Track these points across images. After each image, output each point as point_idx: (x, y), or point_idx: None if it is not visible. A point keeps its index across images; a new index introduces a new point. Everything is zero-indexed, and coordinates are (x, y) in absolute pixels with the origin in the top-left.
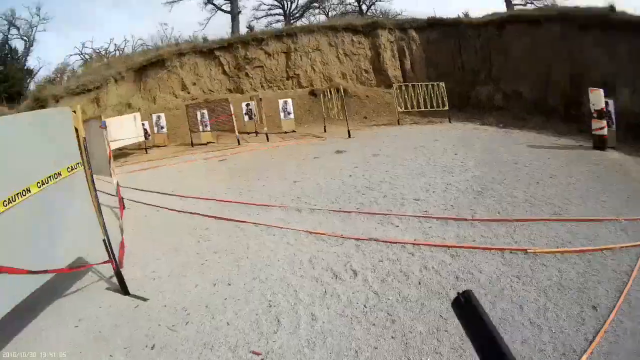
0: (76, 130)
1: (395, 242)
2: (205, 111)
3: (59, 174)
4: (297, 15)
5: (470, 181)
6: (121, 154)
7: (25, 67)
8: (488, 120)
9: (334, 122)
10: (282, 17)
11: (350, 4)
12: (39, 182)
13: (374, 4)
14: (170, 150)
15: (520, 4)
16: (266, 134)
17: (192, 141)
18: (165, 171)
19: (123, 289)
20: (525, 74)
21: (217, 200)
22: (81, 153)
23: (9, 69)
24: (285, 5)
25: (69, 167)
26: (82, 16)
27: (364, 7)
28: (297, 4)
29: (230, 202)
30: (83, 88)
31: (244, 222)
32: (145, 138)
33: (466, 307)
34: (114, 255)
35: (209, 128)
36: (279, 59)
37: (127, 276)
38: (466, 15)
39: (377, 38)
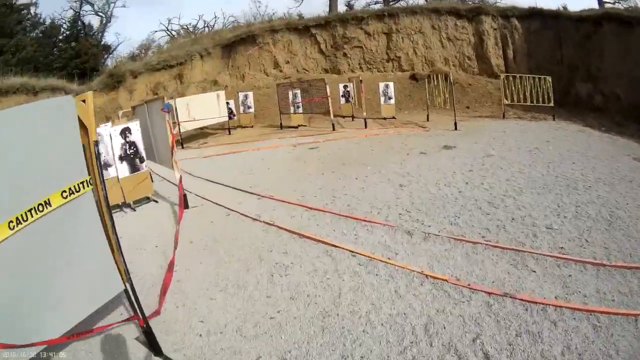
0: (85, 129)
1: (535, 303)
2: (298, 91)
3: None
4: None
5: (597, 203)
6: (201, 133)
7: (102, 43)
8: (589, 121)
9: (437, 110)
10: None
11: None
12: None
13: None
14: (256, 132)
15: (610, 2)
16: (364, 120)
17: (281, 123)
18: (247, 158)
19: (154, 349)
20: (622, 76)
21: (303, 206)
22: (89, 166)
23: (82, 45)
24: None
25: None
26: None
27: None
28: None
29: (321, 210)
30: (165, 64)
31: (337, 247)
32: (230, 118)
33: None
34: (141, 310)
35: (301, 110)
36: (380, 39)
37: (165, 324)
38: (564, 8)
39: (480, 24)
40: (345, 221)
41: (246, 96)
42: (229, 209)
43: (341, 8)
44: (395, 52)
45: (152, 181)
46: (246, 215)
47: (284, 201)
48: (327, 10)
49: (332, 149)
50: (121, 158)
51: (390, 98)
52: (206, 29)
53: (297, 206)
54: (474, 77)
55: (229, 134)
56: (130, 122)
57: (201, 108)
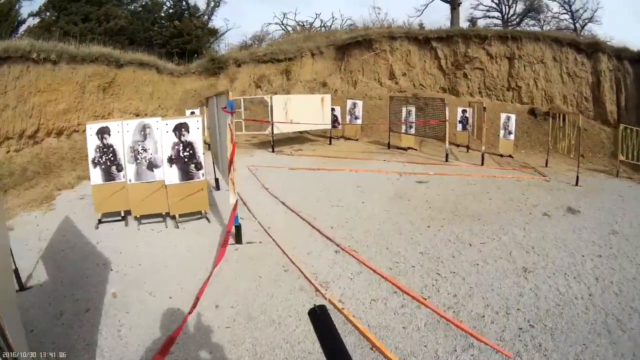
0: None
1: None
2: (413, 108)
3: None
4: (515, 22)
5: None
6: (300, 138)
7: (208, 27)
8: None
9: (555, 154)
10: (499, 22)
11: (565, 20)
12: None
13: (586, 24)
14: (359, 147)
15: None
16: (482, 155)
17: (389, 142)
18: (341, 180)
19: None
20: None
21: (394, 284)
22: None
23: (185, 25)
24: (504, 10)
25: None
26: None
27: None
28: (515, 10)
29: (417, 300)
30: (272, 56)
31: None
32: (333, 126)
33: (320, 317)
34: None
35: (413, 130)
36: (502, 64)
37: None
38: None
39: (598, 62)
40: (446, 328)
41: (355, 104)
42: (290, 260)
43: (463, 23)
44: (516, 80)
45: (218, 189)
46: (309, 280)
47: (369, 267)
48: (449, 24)
49: (444, 188)
50: (171, 160)
51: (510, 133)
52: (322, 28)
53: (384, 280)
54: (589, 121)
55: (330, 143)
56: (189, 118)
57: (301, 110)
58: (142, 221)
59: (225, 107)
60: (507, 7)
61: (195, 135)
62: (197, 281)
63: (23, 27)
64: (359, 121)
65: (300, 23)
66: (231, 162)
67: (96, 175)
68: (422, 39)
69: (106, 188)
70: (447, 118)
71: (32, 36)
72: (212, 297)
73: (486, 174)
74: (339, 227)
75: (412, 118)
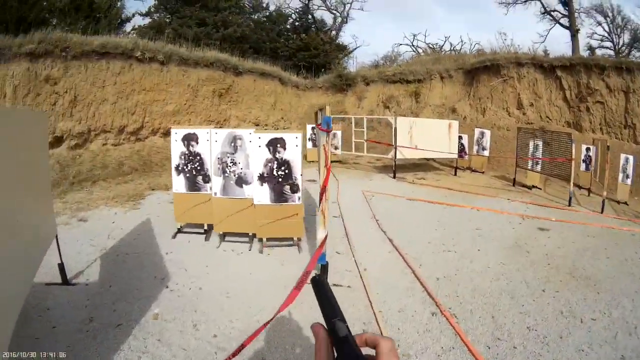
0: None
1: None
2: (540, 143)
3: None
4: (625, 53)
5: None
6: (424, 165)
7: (336, 42)
8: None
9: None
10: (612, 52)
11: None
12: None
13: None
14: (484, 181)
15: None
16: (603, 201)
17: (515, 178)
18: (458, 218)
19: None
20: None
21: None
22: None
23: (312, 39)
24: (614, 39)
25: None
26: (408, 5)
27: None
28: (623, 40)
29: None
30: (401, 77)
31: None
32: (460, 156)
33: (320, 285)
34: None
35: (539, 167)
36: (619, 97)
37: None
38: None
39: None
40: None
41: (482, 134)
42: (375, 315)
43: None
44: (632, 116)
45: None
46: None
47: (465, 343)
48: (570, 52)
49: (564, 239)
50: (262, 178)
51: (627, 177)
52: (452, 52)
53: None
54: None
55: (455, 174)
56: (287, 133)
57: (427, 135)
58: (226, 238)
59: (320, 124)
60: (617, 36)
61: (293, 153)
62: (254, 323)
63: (129, 26)
64: (486, 152)
65: (430, 45)
66: (323, 191)
67: (179, 183)
68: (547, 67)
69: (189, 198)
70: (573, 156)
71: (141, 35)
72: (260, 349)
73: (604, 224)
74: (446, 280)
75: (539, 153)
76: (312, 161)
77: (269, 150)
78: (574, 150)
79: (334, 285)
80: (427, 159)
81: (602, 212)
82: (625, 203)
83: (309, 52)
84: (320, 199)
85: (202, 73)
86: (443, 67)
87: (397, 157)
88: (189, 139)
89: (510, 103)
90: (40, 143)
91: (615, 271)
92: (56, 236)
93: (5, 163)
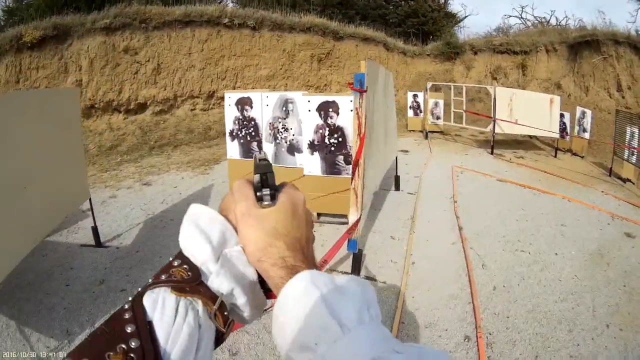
0: None
1: None
2: (637, 130)
3: None
4: None
5: None
6: (526, 143)
7: (446, 10)
8: None
9: None
10: None
11: None
12: None
13: None
14: (582, 167)
15: None
16: None
17: (611, 168)
18: (547, 207)
19: None
20: None
21: None
22: None
23: (420, 5)
24: None
25: None
26: None
27: None
28: None
29: None
30: (507, 47)
31: None
32: (562, 136)
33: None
34: None
35: (634, 159)
36: None
37: None
38: None
39: None
40: None
41: (584, 114)
42: (394, 328)
43: None
44: None
45: (398, 189)
46: None
47: None
48: None
49: None
50: (313, 146)
51: None
52: (557, 26)
53: None
54: None
55: (555, 156)
56: (340, 96)
57: (527, 109)
58: None
59: (352, 84)
60: None
61: (347, 119)
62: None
63: None
64: (587, 135)
65: (538, 18)
66: (356, 164)
67: (233, 149)
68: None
69: (244, 164)
70: None
71: (235, 1)
72: (233, 339)
73: None
74: (504, 291)
75: (636, 141)
76: (413, 130)
77: (320, 115)
78: None
79: (366, 277)
80: (530, 137)
81: None
82: None
83: (418, 19)
84: (353, 175)
85: (299, 38)
86: (548, 40)
87: (496, 131)
88: (243, 103)
89: (611, 84)
90: (72, 116)
91: None
92: (90, 200)
93: (37, 136)
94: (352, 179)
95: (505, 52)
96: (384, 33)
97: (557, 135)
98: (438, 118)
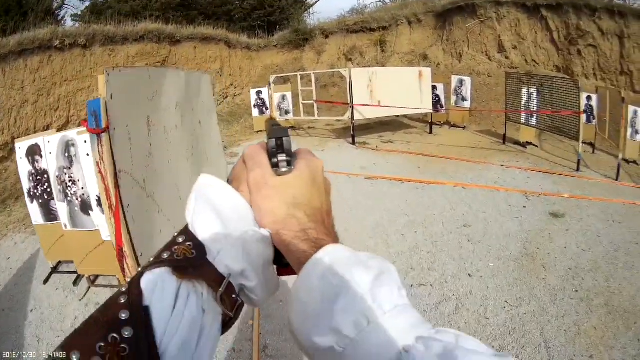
0: None
1: None
2: (534, 91)
3: None
4: None
5: None
6: (392, 123)
7: None
8: None
9: None
10: None
11: None
12: None
13: None
14: (466, 139)
15: None
16: (618, 166)
17: (505, 134)
18: (440, 204)
19: None
20: None
21: None
22: None
23: None
24: None
25: None
26: None
27: None
28: None
29: None
30: (363, 25)
31: None
32: (436, 109)
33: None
34: None
35: (534, 121)
36: (613, 42)
37: None
38: None
39: None
40: None
41: (462, 82)
42: None
43: None
44: (628, 63)
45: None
46: None
47: None
48: None
49: (586, 231)
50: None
51: (637, 133)
52: None
53: None
54: None
55: (430, 132)
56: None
57: (392, 88)
58: (96, 283)
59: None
60: None
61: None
62: None
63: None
64: (467, 104)
65: None
66: (121, 257)
67: (35, 211)
68: (530, 6)
69: (51, 229)
70: (581, 108)
71: (83, 21)
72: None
73: (627, 199)
74: None
75: (535, 102)
76: (260, 131)
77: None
78: (582, 101)
79: None
80: (397, 115)
81: (617, 178)
82: (635, 162)
83: (264, 11)
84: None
85: (132, 48)
86: (411, 12)
87: (356, 117)
88: (33, 153)
89: (490, 46)
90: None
91: None
92: None
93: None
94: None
95: (360, 31)
96: (226, 30)
97: (431, 110)
98: (287, 113)
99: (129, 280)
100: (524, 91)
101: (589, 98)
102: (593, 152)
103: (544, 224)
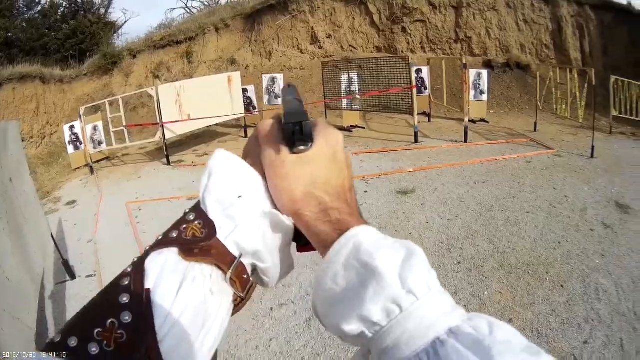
0: None
1: None
2: (355, 75)
3: None
4: None
5: None
6: (206, 133)
7: (104, 21)
8: None
9: (530, 113)
10: None
11: None
12: None
13: None
14: None
15: None
16: (466, 129)
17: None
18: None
19: None
20: None
21: None
22: None
23: (79, 23)
24: None
25: None
26: None
27: None
28: None
29: None
30: (170, 39)
31: None
32: (248, 112)
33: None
34: None
35: (358, 106)
36: (447, 14)
37: None
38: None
39: (557, 8)
40: None
41: (274, 80)
42: None
43: None
44: (465, 30)
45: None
46: None
47: None
48: None
49: (445, 200)
50: None
51: (482, 93)
52: (231, 4)
53: None
54: (555, 70)
55: (245, 136)
56: None
57: (202, 99)
58: None
59: None
60: None
61: None
62: None
63: None
64: (279, 100)
65: (205, 3)
66: None
67: None
68: None
69: None
70: (413, 84)
71: None
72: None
73: (485, 158)
74: None
75: (356, 87)
76: (79, 167)
77: None
78: (413, 75)
79: None
80: (209, 126)
81: (465, 140)
82: (484, 120)
83: (77, 39)
84: None
85: None
86: (218, 18)
87: (167, 136)
88: None
89: (302, 39)
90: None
91: (556, 237)
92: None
93: None
94: None
95: (167, 46)
96: (40, 65)
97: (244, 114)
98: (100, 144)
99: (134, 260)
100: (344, 77)
101: (418, 71)
102: (429, 121)
103: (394, 204)
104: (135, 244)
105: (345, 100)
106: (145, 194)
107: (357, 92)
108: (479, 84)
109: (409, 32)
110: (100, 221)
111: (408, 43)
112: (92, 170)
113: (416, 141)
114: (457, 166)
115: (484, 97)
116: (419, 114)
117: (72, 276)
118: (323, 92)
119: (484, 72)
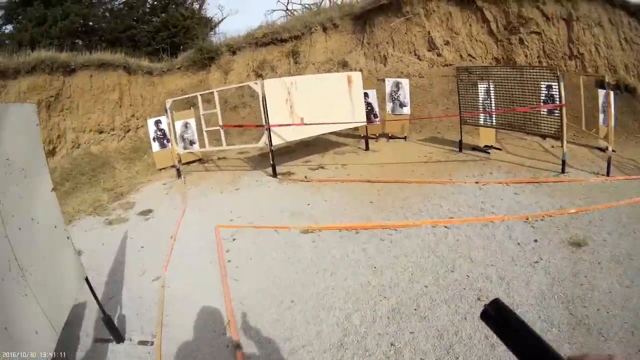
0: None
1: None
2: (491, 85)
3: None
4: None
5: None
6: (319, 142)
7: (199, 16)
8: None
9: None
10: None
11: None
12: None
13: None
14: (414, 152)
15: None
16: (609, 160)
17: (461, 140)
18: (415, 265)
19: None
20: None
21: None
22: None
23: (170, 16)
24: None
25: None
26: None
27: None
28: None
29: None
30: (273, 37)
31: None
32: (370, 120)
33: (497, 317)
34: None
35: (493, 121)
36: (560, 26)
37: None
38: None
39: None
40: None
41: (398, 85)
42: None
43: None
44: (577, 46)
45: None
46: None
47: None
48: None
49: (620, 257)
50: None
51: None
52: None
53: None
54: None
55: (367, 149)
56: None
57: (317, 100)
58: None
59: None
60: None
61: None
62: None
63: None
64: (407, 110)
65: (307, 6)
66: None
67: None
68: None
69: None
70: (563, 100)
71: None
72: None
73: (633, 198)
74: None
75: (492, 99)
76: (164, 168)
77: None
78: (562, 92)
79: None
80: (323, 134)
81: (608, 174)
82: (608, 149)
83: (168, 32)
84: None
85: (23, 83)
86: (325, 17)
87: (275, 142)
88: None
89: (419, 44)
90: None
91: None
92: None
93: None
94: None
95: (270, 44)
96: (125, 55)
97: (365, 123)
98: (192, 143)
99: None
100: (482, 86)
101: (549, 87)
102: (562, 145)
103: (570, 262)
104: (220, 291)
105: (483, 115)
106: (242, 216)
107: (492, 105)
108: (604, 106)
109: (527, 43)
110: (175, 248)
111: (526, 56)
112: (179, 173)
113: (563, 171)
114: (612, 207)
115: (611, 122)
116: (546, 136)
117: (119, 338)
118: (458, 103)
119: (611, 93)
